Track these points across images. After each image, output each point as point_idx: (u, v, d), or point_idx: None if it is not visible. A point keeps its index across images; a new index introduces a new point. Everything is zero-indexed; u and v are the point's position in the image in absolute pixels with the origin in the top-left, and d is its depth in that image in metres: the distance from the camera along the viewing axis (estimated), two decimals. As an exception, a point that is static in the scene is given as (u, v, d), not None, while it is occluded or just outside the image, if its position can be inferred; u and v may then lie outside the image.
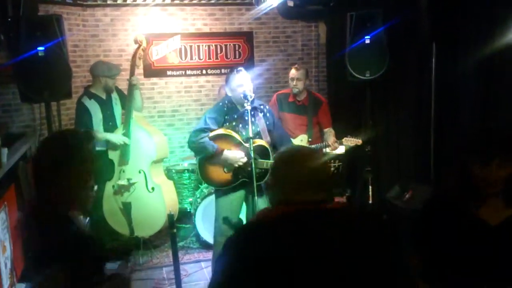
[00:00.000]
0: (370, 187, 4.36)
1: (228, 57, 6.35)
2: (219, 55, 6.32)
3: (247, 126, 3.75)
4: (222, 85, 5.67)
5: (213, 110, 3.93)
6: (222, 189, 3.91)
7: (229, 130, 3.87)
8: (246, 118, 3.71)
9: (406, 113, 4.67)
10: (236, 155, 3.78)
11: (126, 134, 4.69)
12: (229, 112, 3.88)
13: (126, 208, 4.71)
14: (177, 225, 5.02)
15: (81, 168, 1.90)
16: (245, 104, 3.66)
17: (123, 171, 4.73)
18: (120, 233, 4.89)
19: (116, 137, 4.71)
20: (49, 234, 1.80)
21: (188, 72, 6.25)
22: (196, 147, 3.84)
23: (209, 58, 6.29)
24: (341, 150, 4.67)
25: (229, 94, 3.89)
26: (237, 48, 6.36)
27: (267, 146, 3.82)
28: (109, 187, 4.79)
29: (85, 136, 1.95)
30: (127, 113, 4.74)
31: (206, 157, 3.88)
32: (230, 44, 6.33)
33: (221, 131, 3.86)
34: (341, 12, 5.30)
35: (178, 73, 6.22)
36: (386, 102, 4.92)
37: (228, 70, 6.16)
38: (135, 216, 4.73)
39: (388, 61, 4.28)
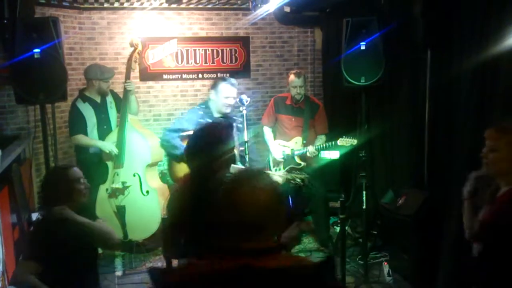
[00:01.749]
0: (364, 192, 4.37)
1: (225, 61, 6.36)
2: (215, 59, 6.33)
3: None
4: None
5: (190, 112, 4.07)
6: None
7: None
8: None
9: (401, 119, 4.69)
10: None
11: (121, 137, 4.69)
12: (204, 116, 3.95)
13: (120, 212, 4.70)
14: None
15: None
16: (241, 108, 3.73)
17: (118, 174, 4.72)
18: (113, 237, 4.87)
19: (105, 145, 4.70)
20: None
21: (184, 76, 6.26)
22: (167, 146, 3.97)
23: (206, 62, 6.29)
24: (335, 155, 4.69)
25: (213, 98, 3.96)
26: (233, 53, 6.37)
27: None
28: (103, 190, 4.78)
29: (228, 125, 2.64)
30: (122, 117, 4.74)
31: (176, 157, 3.94)
32: (226, 49, 6.35)
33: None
34: (337, 18, 5.34)
35: (174, 77, 6.22)
36: (381, 108, 4.94)
37: (225, 74, 6.24)
38: (129, 220, 4.71)
39: (383, 67, 4.30)
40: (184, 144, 3.87)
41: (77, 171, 2.96)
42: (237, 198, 1.41)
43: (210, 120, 3.94)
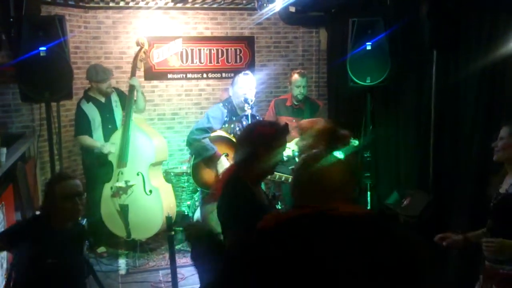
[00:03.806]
0: (369, 193, 4.35)
1: (229, 61, 6.36)
2: (220, 59, 6.32)
3: None
4: (224, 89, 5.71)
5: (215, 110, 3.98)
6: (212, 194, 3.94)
7: (229, 134, 3.89)
8: (245, 122, 3.74)
9: (406, 120, 4.67)
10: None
11: (125, 136, 4.69)
12: (229, 114, 3.91)
13: (124, 211, 4.70)
14: (175, 228, 5.00)
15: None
16: (246, 108, 3.70)
17: (122, 173, 4.72)
18: (117, 236, 4.89)
19: (104, 146, 4.72)
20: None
21: (189, 75, 6.26)
22: (197, 146, 3.87)
23: (210, 62, 6.29)
24: (339, 156, 4.66)
25: (231, 95, 3.93)
26: (238, 53, 6.37)
27: None
28: (107, 189, 4.78)
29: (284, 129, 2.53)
30: (127, 116, 4.74)
31: (202, 158, 3.89)
32: (231, 49, 6.34)
33: (222, 133, 3.88)
34: (342, 19, 5.32)
35: (178, 76, 6.22)
36: (387, 109, 4.93)
37: (229, 74, 6.24)
38: (132, 219, 4.71)
39: (389, 67, 4.29)
40: (214, 146, 3.85)
41: (72, 186, 2.57)
42: (323, 168, 1.68)
43: (234, 119, 3.92)
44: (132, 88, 4.76)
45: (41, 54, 3.74)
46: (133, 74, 4.83)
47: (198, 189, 5.28)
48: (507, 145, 2.52)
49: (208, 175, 3.92)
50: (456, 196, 3.81)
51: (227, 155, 3.86)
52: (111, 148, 4.70)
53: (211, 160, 3.87)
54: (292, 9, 6.14)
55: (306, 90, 4.97)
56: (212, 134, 3.87)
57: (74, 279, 2.69)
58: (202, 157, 3.90)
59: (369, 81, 4.32)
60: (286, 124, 2.54)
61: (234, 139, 3.86)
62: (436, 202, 4.01)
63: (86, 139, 4.80)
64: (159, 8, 5.96)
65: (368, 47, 4.31)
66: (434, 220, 3.92)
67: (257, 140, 2.37)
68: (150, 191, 4.72)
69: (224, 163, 3.82)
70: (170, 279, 3.70)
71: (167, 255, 4.66)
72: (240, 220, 2.13)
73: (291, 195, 1.77)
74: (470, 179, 3.68)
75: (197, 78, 6.29)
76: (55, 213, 2.56)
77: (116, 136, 4.77)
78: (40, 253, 2.48)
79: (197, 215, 4.88)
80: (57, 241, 2.54)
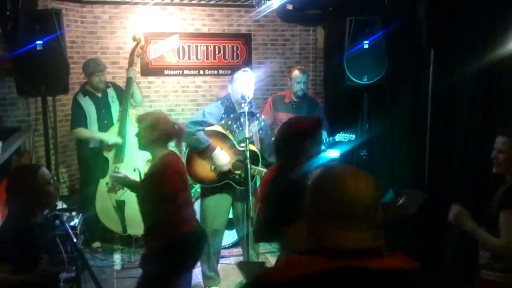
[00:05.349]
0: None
1: (226, 58, 6.35)
2: (217, 56, 6.31)
3: (241, 128, 3.77)
4: (221, 86, 5.70)
5: (212, 106, 3.98)
6: (207, 188, 3.95)
7: (226, 130, 3.88)
8: (242, 119, 3.73)
9: (403, 119, 4.68)
10: (223, 160, 3.79)
11: (122, 131, 4.67)
12: (227, 111, 3.91)
13: (120, 206, 4.67)
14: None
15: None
16: (243, 105, 3.69)
17: (118, 169, 4.70)
18: (112, 231, 4.87)
19: (109, 137, 4.69)
20: None
21: (186, 71, 6.24)
22: (191, 139, 3.86)
23: (207, 59, 6.28)
24: (335, 153, 4.68)
25: (230, 92, 3.93)
26: (235, 50, 6.36)
27: (258, 152, 3.84)
28: (102, 184, 4.76)
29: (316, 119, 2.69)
30: (124, 110, 4.72)
31: (197, 151, 3.89)
32: (228, 45, 6.33)
33: (218, 128, 3.88)
34: (340, 17, 5.33)
35: (175, 72, 6.21)
36: (383, 107, 4.94)
37: (226, 71, 6.24)
38: (128, 214, 4.67)
39: (386, 66, 4.30)
40: (209, 139, 3.82)
41: (47, 172, 2.66)
42: (347, 184, 1.34)
43: (231, 116, 3.91)
44: (129, 80, 4.74)
45: (38, 48, 3.73)
46: (130, 65, 4.81)
47: (194, 185, 5.29)
48: (509, 158, 2.49)
49: (203, 168, 3.91)
50: (451, 195, 3.82)
51: (221, 149, 3.86)
52: (117, 139, 4.67)
53: (205, 153, 3.85)
54: (290, 6, 6.14)
55: (306, 87, 4.98)
56: (208, 128, 3.87)
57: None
58: (197, 150, 3.89)
59: (366, 79, 4.34)
60: (317, 117, 2.73)
61: (230, 136, 3.85)
62: (431, 201, 4.03)
63: (84, 131, 4.77)
64: (156, 3, 5.94)
65: (365, 46, 4.32)
66: (429, 219, 3.94)
67: (305, 135, 2.55)
68: (146, 187, 4.70)
69: (220, 155, 3.80)
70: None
71: (162, 251, 4.65)
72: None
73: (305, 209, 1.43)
74: (465, 178, 3.70)
75: (194, 75, 6.28)
76: (34, 204, 2.59)
77: (113, 131, 4.75)
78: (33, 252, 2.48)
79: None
80: (41, 234, 2.57)
